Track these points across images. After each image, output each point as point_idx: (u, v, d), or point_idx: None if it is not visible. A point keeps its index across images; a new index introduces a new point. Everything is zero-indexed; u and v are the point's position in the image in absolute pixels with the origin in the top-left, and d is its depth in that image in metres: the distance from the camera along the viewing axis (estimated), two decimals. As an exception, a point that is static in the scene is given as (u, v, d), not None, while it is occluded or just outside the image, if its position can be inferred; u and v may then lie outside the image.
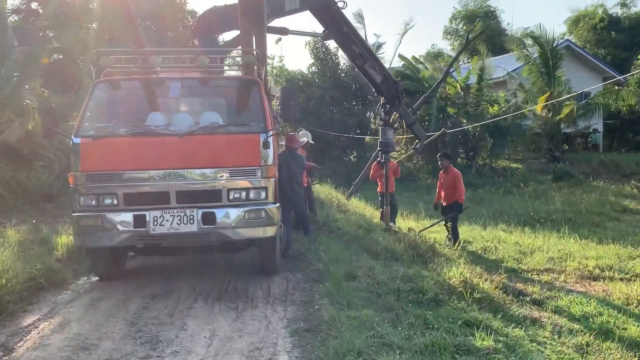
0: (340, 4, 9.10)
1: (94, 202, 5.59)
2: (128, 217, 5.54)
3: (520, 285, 6.88)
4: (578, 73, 26.83)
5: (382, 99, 9.79)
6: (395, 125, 9.83)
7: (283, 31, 9.04)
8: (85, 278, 6.62)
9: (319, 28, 9.59)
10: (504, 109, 22.13)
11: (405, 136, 10.67)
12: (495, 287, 6.18)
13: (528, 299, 6.25)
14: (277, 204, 5.97)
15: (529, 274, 7.78)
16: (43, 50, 16.12)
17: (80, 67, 17.24)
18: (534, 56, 23.14)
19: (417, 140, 10.67)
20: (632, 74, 23.51)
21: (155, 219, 5.53)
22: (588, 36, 37.65)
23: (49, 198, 11.90)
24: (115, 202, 5.59)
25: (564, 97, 19.98)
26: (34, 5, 19.21)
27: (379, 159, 10.75)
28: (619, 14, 39.02)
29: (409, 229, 9.81)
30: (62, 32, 18.47)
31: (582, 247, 9.21)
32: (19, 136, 11.33)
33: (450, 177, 9.51)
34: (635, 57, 32.84)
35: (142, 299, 5.68)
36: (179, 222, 5.55)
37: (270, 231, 5.85)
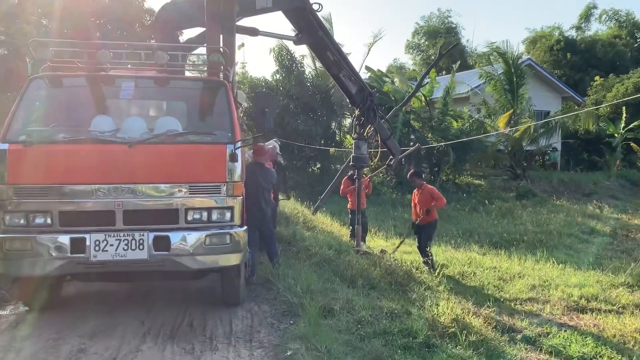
0: (315, 6, 8.39)
1: (22, 222, 4.64)
2: (64, 240, 4.61)
3: (507, 319, 6.31)
4: (538, 92, 27.18)
5: (356, 111, 9.10)
6: (370, 140, 9.14)
7: (253, 32, 8.24)
8: (12, 307, 5.61)
9: (288, 30, 8.87)
10: (467, 124, 21.98)
11: (379, 150, 9.97)
12: (486, 323, 5.56)
13: (520, 336, 5.66)
14: (245, 227, 5.16)
15: (513, 304, 7.22)
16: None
17: (27, 63, 15.93)
18: (499, 72, 23.16)
19: (390, 156, 10.03)
20: (612, 103, 23.90)
21: (97, 243, 4.62)
22: (545, 56, 38.48)
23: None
24: (49, 221, 4.65)
25: (541, 121, 19.97)
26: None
27: (350, 173, 10.09)
28: (574, 37, 40.15)
29: (382, 250, 9.13)
30: (7, 25, 17.09)
31: (561, 273, 8.80)
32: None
33: (426, 194, 8.93)
34: (589, 78, 33.78)
35: (78, 338, 4.74)
36: (125, 248, 4.66)
37: (235, 259, 5.03)
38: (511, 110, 22.13)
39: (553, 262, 9.62)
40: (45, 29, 15.71)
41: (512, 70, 22.35)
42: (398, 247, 9.67)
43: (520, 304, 7.28)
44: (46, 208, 4.64)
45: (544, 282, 8.20)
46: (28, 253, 4.57)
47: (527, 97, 23.43)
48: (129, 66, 5.61)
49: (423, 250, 8.86)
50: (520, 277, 8.49)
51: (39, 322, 5.12)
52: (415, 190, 9.27)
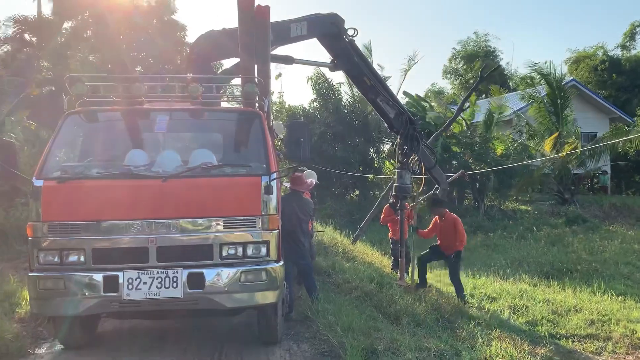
0: (350, 32, 8.27)
1: (56, 260, 4.54)
2: (97, 278, 4.48)
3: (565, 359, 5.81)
4: (584, 113, 26.28)
5: (398, 139, 8.82)
6: (414, 169, 8.79)
7: (288, 60, 8.15)
8: (48, 345, 5.51)
9: (325, 57, 8.75)
10: (510, 148, 21.32)
11: (423, 177, 9.60)
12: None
13: (582, 380, 5.17)
14: (281, 262, 4.92)
15: (571, 342, 6.69)
16: (32, 81, 15.42)
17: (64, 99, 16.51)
18: (542, 94, 22.49)
19: (435, 185, 9.64)
20: None
21: (130, 281, 4.47)
22: (589, 77, 37.42)
23: (26, 240, 10.82)
24: (82, 259, 4.54)
25: (593, 145, 19.13)
26: (27, 35, 18.56)
27: (391, 202, 9.76)
28: (619, 56, 38.88)
29: (429, 285, 8.70)
30: (54, 63, 17.79)
31: (622, 306, 8.17)
32: (-1, 172, 10.35)
33: (449, 223, 8.39)
34: (637, 99, 32.47)
35: (111, 380, 4.57)
36: (159, 286, 4.49)
37: (271, 296, 4.78)
38: (556, 133, 21.39)
39: (611, 293, 8.99)
40: (90, 65, 16.26)
41: (556, 92, 21.67)
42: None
43: (579, 341, 6.76)
44: (80, 245, 4.53)
45: (603, 316, 7.63)
46: (61, 292, 4.46)
47: (573, 119, 22.62)
48: (164, 99, 5.55)
49: (456, 281, 8.34)
50: (576, 310, 7.93)
51: (73, 362, 4.99)
52: (435, 219, 8.71)
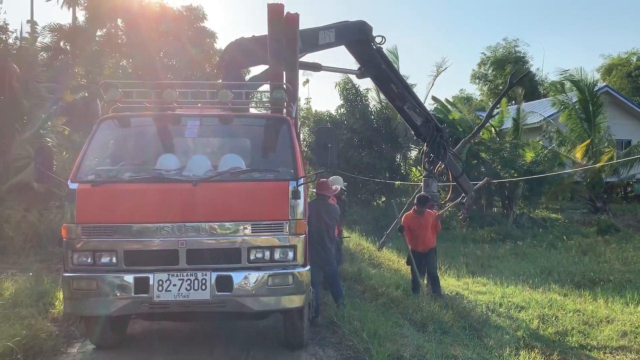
0: (378, 39, 8.30)
1: (89, 261, 4.66)
2: (129, 279, 4.58)
3: (597, 371, 5.67)
4: (618, 120, 25.64)
5: (424, 146, 8.79)
6: (440, 177, 8.75)
7: (316, 67, 8.24)
8: (80, 345, 5.65)
9: (352, 64, 8.81)
10: (540, 155, 20.96)
11: (450, 185, 9.54)
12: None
13: (614, 393, 5.04)
14: (308, 267, 4.95)
15: (602, 353, 6.52)
16: (67, 88, 15.84)
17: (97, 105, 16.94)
18: (573, 101, 22.06)
19: (462, 194, 9.55)
20: None
21: (161, 283, 4.56)
22: (622, 84, 36.57)
23: (60, 241, 11.11)
24: (114, 260, 4.65)
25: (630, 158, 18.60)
26: (62, 43, 19.11)
27: (413, 209, 9.70)
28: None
29: (456, 293, 8.61)
30: (88, 70, 18.27)
31: (656, 319, 7.91)
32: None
33: (427, 218, 8.10)
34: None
35: (141, 380, 4.66)
36: (188, 288, 4.57)
37: (298, 300, 4.81)
38: (588, 140, 20.96)
39: (645, 305, 8.70)
40: (121, 70, 16.65)
41: (588, 98, 21.24)
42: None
43: (611, 353, 6.57)
44: (112, 247, 4.64)
45: (636, 327, 7.39)
46: (94, 292, 4.57)
47: (606, 126, 22.12)
48: (195, 105, 5.66)
49: (435, 277, 8.21)
50: (608, 321, 7.71)
51: (104, 361, 5.11)
52: (410, 215, 8.30)
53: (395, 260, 11.50)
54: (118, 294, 4.57)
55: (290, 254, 4.79)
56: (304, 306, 5.04)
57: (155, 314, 5.15)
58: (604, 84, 29.82)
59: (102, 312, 4.68)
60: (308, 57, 8.20)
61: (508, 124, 22.83)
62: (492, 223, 19.21)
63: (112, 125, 5.31)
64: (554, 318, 7.78)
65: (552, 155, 21.18)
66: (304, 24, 6.32)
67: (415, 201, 8.34)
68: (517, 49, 45.49)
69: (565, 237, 17.01)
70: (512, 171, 19.24)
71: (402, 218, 9.79)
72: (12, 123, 11.93)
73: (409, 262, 8.19)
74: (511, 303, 8.30)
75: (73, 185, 4.72)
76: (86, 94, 17.67)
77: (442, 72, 22.75)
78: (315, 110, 23.64)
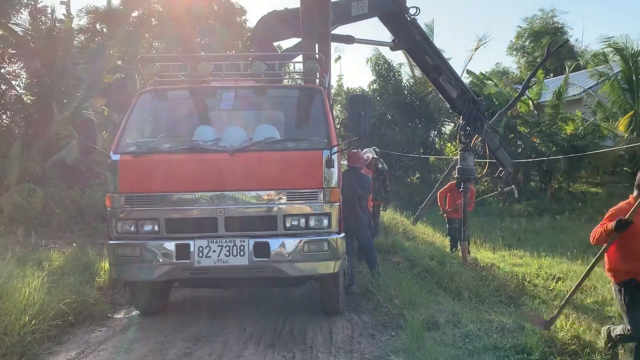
0: (412, 10, 8.16)
1: (132, 229, 4.85)
2: (170, 246, 4.75)
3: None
4: (664, 90, 24.53)
5: (461, 120, 8.66)
6: (477, 151, 8.59)
7: (349, 40, 8.18)
8: (125, 311, 5.92)
9: (385, 36, 8.71)
10: (581, 128, 20.34)
11: (487, 160, 9.42)
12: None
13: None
14: (342, 234, 5.03)
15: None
16: (104, 69, 16.20)
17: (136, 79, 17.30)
18: (615, 71, 21.22)
19: (500, 168, 9.41)
20: None
21: (201, 249, 4.72)
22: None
23: (102, 217, 11.55)
24: (156, 228, 4.83)
25: None
26: (98, 25, 19.46)
27: (450, 182, 9.65)
28: None
29: (492, 264, 8.56)
30: (123, 51, 18.59)
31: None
32: (76, 155, 11.10)
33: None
34: None
35: (183, 342, 4.86)
36: (227, 254, 4.71)
37: (333, 266, 4.90)
38: (632, 112, 20.18)
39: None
40: (155, 51, 16.87)
41: (632, 68, 20.38)
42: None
43: (652, 323, 6.45)
44: (154, 215, 4.81)
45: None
46: (137, 259, 4.76)
47: (653, 96, 21.21)
48: (229, 78, 5.74)
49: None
50: (650, 292, 7.56)
51: (148, 326, 5.34)
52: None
53: (429, 234, 11.49)
54: (160, 260, 4.75)
55: (325, 221, 4.87)
56: (339, 272, 5.14)
57: (196, 280, 5.33)
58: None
59: (145, 277, 4.88)
60: (340, 30, 8.16)
61: (547, 97, 22.18)
62: (529, 197, 18.86)
63: (150, 98, 5.45)
64: (592, 289, 7.68)
65: (592, 129, 20.52)
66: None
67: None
68: (554, 19, 43.90)
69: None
70: (552, 145, 18.76)
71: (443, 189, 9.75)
72: (50, 103, 12.34)
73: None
74: (548, 274, 8.22)
75: (115, 157, 4.89)
76: (123, 76, 18.04)
77: (481, 46, 22.22)
78: (348, 88, 23.54)
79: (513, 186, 10.09)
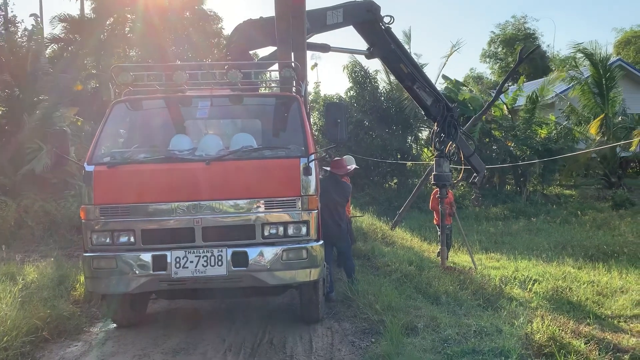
0: (387, 19, 8.24)
1: (108, 241, 4.78)
2: (147, 258, 4.70)
3: (611, 337, 5.70)
4: (632, 94, 25.22)
5: (435, 126, 8.76)
6: (452, 157, 8.68)
7: (324, 48, 8.21)
8: (101, 324, 5.81)
9: (361, 45, 8.77)
10: (554, 132, 20.75)
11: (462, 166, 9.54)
12: (586, 342, 5.04)
13: (627, 357, 5.08)
14: (321, 242, 5.04)
15: (616, 321, 6.56)
16: (77, 77, 15.97)
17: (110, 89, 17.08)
18: (585, 75, 21.74)
19: (475, 174, 9.54)
20: None
21: (178, 260, 4.67)
22: (637, 57, 35.85)
23: (77, 229, 11.35)
24: (132, 240, 4.77)
25: None
26: (71, 34, 19.20)
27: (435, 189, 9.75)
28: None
29: (469, 267, 8.66)
30: (98, 60, 18.38)
31: (671, 288, 7.90)
32: (44, 165, 10.91)
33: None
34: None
35: (162, 355, 4.80)
36: (205, 264, 4.68)
37: (312, 274, 4.90)
38: (602, 115, 20.67)
39: (660, 275, 8.68)
40: (130, 60, 16.69)
41: (601, 72, 20.91)
42: None
43: (625, 322, 6.60)
44: (129, 227, 4.75)
45: (652, 297, 7.41)
46: (113, 271, 4.70)
47: (622, 99, 21.80)
48: (205, 86, 5.71)
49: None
50: (622, 292, 7.73)
51: (125, 339, 5.26)
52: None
53: (408, 239, 11.56)
54: (137, 272, 4.69)
55: (304, 229, 4.87)
56: (319, 280, 5.14)
57: (174, 291, 5.26)
58: (617, 57, 29.28)
59: (122, 289, 4.80)
60: (316, 38, 8.20)
61: (521, 102, 22.59)
62: (505, 201, 19.16)
63: (124, 108, 5.40)
64: (568, 290, 7.81)
65: (565, 132, 20.94)
66: (311, 5, 6.33)
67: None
68: (526, 25, 44.86)
69: (579, 213, 16.91)
70: (526, 148, 19.09)
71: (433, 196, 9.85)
72: (21, 114, 12.12)
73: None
74: (525, 276, 8.33)
75: (89, 168, 4.82)
76: (97, 85, 17.81)
77: (454, 52, 22.54)
78: (325, 95, 23.62)
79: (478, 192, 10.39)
